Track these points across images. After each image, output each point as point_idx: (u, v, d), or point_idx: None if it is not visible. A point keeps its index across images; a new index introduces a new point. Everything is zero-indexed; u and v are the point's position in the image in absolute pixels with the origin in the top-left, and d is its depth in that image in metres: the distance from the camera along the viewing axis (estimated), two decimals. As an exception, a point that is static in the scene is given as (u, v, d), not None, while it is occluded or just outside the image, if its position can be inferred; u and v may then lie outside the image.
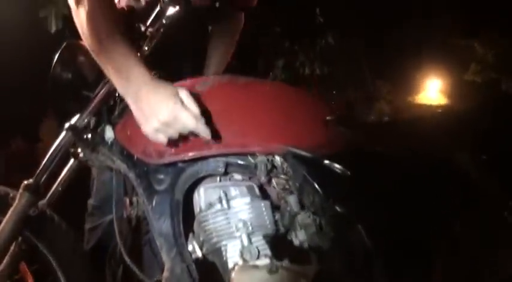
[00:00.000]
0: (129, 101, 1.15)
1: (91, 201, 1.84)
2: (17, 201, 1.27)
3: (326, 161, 1.21)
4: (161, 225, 1.25)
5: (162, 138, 1.13)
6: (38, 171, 1.31)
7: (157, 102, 1.11)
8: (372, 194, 1.20)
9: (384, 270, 1.15)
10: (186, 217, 1.28)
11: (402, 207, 1.20)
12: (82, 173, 1.66)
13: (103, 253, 1.73)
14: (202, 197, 1.27)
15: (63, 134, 1.35)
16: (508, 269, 1.19)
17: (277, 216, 1.25)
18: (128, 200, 1.46)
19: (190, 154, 1.24)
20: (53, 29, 2.96)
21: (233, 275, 1.07)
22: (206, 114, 1.18)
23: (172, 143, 1.20)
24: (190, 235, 1.27)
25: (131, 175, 1.32)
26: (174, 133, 1.13)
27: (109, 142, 1.36)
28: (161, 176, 1.29)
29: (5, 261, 1.31)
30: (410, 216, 1.20)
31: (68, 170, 1.45)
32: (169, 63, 1.41)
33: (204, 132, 1.12)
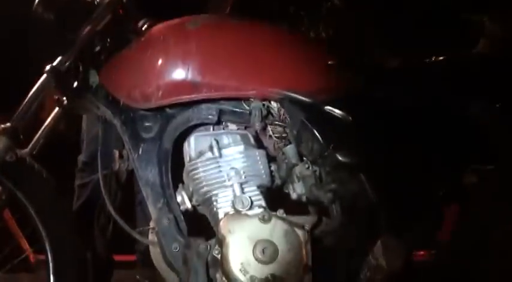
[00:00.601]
0: None
1: (81, 157, 1.76)
2: (-8, 144, 1.19)
3: (326, 107, 1.12)
4: (148, 175, 1.18)
5: None
6: (15, 115, 1.23)
7: None
8: (375, 142, 1.11)
9: (389, 222, 1.07)
10: (176, 168, 1.21)
11: (408, 156, 1.11)
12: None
13: (93, 209, 1.68)
14: (192, 145, 1.20)
15: (43, 76, 1.26)
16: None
17: (274, 167, 1.17)
18: (117, 153, 1.38)
19: (179, 98, 1.15)
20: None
21: (222, 223, 1.00)
22: (195, 56, 1.09)
23: (160, 86, 1.12)
24: (180, 186, 1.20)
25: (117, 122, 1.24)
26: None
27: (93, 86, 1.27)
28: (149, 123, 1.22)
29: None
30: (417, 166, 1.12)
31: (52, 119, 1.37)
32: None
33: None
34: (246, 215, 1.01)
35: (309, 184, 1.14)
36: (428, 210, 1.14)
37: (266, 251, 0.96)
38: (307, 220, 1.05)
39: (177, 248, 1.11)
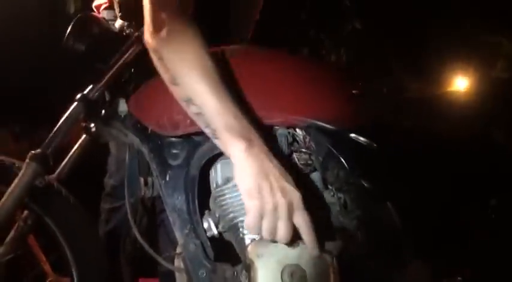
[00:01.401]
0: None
1: (110, 181, 1.81)
2: (23, 170, 1.25)
3: (351, 134, 1.15)
4: (175, 201, 1.22)
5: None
6: (46, 141, 1.29)
7: None
8: (401, 170, 1.14)
9: (414, 251, 1.09)
10: (202, 195, 1.24)
11: (433, 184, 1.13)
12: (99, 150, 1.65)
13: (119, 235, 1.72)
14: (219, 172, 1.23)
15: (74, 104, 1.32)
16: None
17: (299, 194, 1.20)
18: (142, 180, 1.43)
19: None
20: (72, 10, 2.94)
21: (250, 248, 1.03)
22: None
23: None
24: (206, 212, 1.22)
25: (145, 150, 1.29)
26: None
27: (122, 115, 1.33)
28: (176, 151, 1.26)
29: (12, 234, 1.29)
30: (442, 195, 1.13)
31: (80, 145, 1.43)
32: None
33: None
34: (273, 240, 1.03)
35: (334, 211, 1.16)
36: (453, 241, 1.15)
37: (294, 275, 0.99)
38: (334, 246, 1.07)
39: (204, 274, 1.14)
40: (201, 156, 1.24)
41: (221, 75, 1.08)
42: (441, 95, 1.29)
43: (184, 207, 1.21)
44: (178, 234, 1.20)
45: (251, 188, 0.98)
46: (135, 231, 1.28)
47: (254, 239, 1.08)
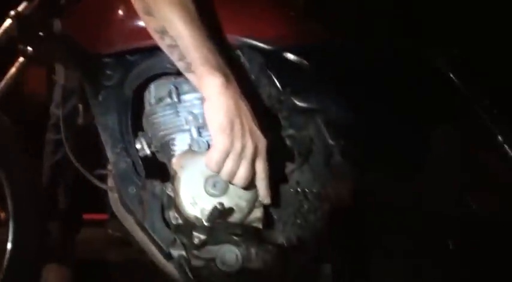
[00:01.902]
0: None
1: (57, 111, 1.74)
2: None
3: (285, 53, 1.15)
4: (107, 121, 1.21)
5: None
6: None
7: None
8: (333, 88, 1.14)
9: (345, 167, 1.10)
10: (137, 117, 1.23)
11: (369, 103, 1.14)
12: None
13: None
14: (152, 92, 1.22)
15: (7, 21, 1.28)
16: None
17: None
18: (81, 106, 1.40)
19: (142, 43, 1.17)
20: None
21: (174, 159, 1.03)
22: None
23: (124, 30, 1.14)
24: (139, 133, 1.21)
25: (79, 69, 1.26)
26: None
27: (57, 34, 1.29)
28: (110, 72, 1.24)
29: None
30: (377, 114, 1.14)
31: (16, 69, 1.39)
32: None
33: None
34: (201, 153, 1.03)
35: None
36: (388, 158, 1.17)
37: (217, 184, 1.00)
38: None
39: (133, 190, 1.14)
40: (135, 77, 1.22)
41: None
42: (379, 18, 1.26)
43: (116, 127, 1.20)
44: (109, 154, 1.19)
45: (224, 124, 0.96)
46: (68, 152, 1.27)
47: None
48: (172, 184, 1.03)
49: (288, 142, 1.14)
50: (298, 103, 1.12)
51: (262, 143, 1.00)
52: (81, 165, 1.25)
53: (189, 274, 1.06)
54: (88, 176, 1.21)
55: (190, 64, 1.02)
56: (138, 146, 1.19)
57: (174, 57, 1.06)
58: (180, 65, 1.05)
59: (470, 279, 1.12)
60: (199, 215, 0.98)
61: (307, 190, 1.07)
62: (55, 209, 1.56)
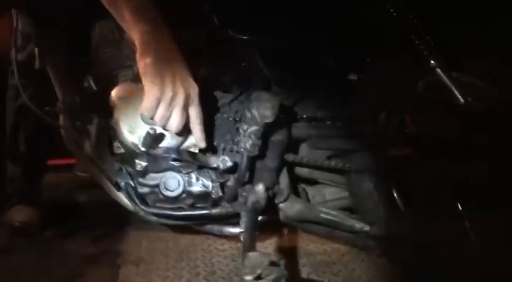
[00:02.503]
0: None
1: (18, 56, 1.72)
2: None
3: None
4: (54, 60, 1.24)
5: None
6: None
7: None
8: (269, 20, 1.17)
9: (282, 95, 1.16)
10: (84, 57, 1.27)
11: (301, 33, 1.17)
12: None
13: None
14: (96, 30, 1.25)
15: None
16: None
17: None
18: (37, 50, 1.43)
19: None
20: None
21: (113, 91, 1.08)
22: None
23: None
24: (87, 72, 1.25)
25: (32, 15, 1.28)
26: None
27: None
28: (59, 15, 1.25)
29: None
30: (311, 43, 1.18)
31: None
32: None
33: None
34: (137, 86, 1.08)
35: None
36: (326, 88, 1.22)
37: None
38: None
39: (81, 125, 1.19)
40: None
41: None
42: None
43: (63, 66, 1.24)
44: (57, 91, 1.23)
45: (154, 73, 1.00)
46: (22, 93, 1.31)
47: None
48: (113, 115, 1.08)
49: (227, 74, 1.19)
50: (233, 34, 1.16)
51: (194, 90, 1.03)
52: (37, 107, 1.28)
53: (136, 201, 1.12)
54: (37, 111, 1.25)
55: (121, 10, 1.05)
56: (85, 84, 1.23)
57: (111, 10, 1.09)
58: (112, 12, 1.08)
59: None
60: (136, 142, 1.04)
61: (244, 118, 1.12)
62: (18, 154, 1.61)
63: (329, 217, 1.18)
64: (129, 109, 1.06)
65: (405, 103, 1.16)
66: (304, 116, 1.21)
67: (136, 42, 1.02)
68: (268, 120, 0.99)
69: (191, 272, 1.40)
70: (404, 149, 1.23)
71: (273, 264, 0.82)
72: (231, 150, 1.14)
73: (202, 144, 1.09)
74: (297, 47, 1.18)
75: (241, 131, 1.04)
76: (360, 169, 1.22)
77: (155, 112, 1.02)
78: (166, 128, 1.05)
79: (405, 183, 1.21)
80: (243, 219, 1.04)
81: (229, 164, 1.07)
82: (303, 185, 1.34)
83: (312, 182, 1.34)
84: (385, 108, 1.16)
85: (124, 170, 1.13)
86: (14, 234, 1.58)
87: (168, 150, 1.05)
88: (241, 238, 0.96)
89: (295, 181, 1.30)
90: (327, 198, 1.35)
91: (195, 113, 1.05)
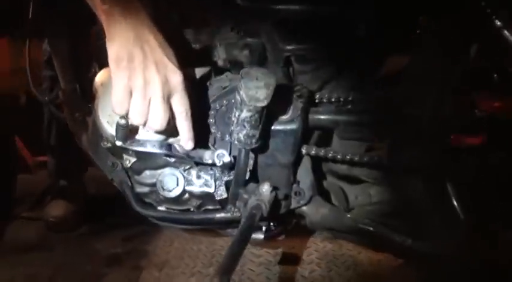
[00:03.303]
0: None
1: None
2: None
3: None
4: (57, 45, 1.15)
5: None
6: None
7: None
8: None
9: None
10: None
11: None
12: None
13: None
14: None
15: None
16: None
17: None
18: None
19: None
20: None
21: (96, 78, 0.94)
22: None
23: None
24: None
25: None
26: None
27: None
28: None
29: None
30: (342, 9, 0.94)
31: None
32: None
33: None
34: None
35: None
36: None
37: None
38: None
39: (80, 116, 1.07)
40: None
41: None
42: None
43: (68, 55, 1.14)
44: (60, 79, 1.14)
45: (120, 56, 0.80)
46: (31, 86, 1.22)
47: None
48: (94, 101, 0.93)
49: (233, 52, 0.98)
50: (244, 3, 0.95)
51: (177, 77, 0.82)
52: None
53: (133, 202, 0.97)
54: (41, 98, 1.16)
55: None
56: (91, 73, 1.11)
57: None
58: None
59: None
60: (113, 133, 0.88)
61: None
62: (52, 148, 1.57)
63: (360, 226, 0.93)
64: (109, 98, 0.89)
65: (462, 76, 0.87)
66: (332, 99, 0.96)
67: (102, 19, 0.81)
68: (261, 104, 0.76)
69: (216, 280, 1.23)
70: (464, 138, 0.93)
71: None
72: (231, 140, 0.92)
73: (189, 146, 0.88)
74: (321, 15, 0.94)
75: (233, 118, 0.83)
76: (405, 165, 0.95)
77: (127, 107, 0.82)
78: (147, 127, 0.84)
79: (468, 183, 0.92)
80: (240, 227, 0.83)
81: (227, 159, 0.87)
82: (343, 184, 1.11)
83: (356, 180, 1.10)
84: (435, 83, 0.87)
85: (117, 167, 0.98)
86: (48, 230, 1.53)
87: (151, 144, 0.87)
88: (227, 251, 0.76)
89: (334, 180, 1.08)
90: (373, 199, 1.09)
91: (178, 106, 0.84)
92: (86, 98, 1.09)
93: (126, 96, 0.81)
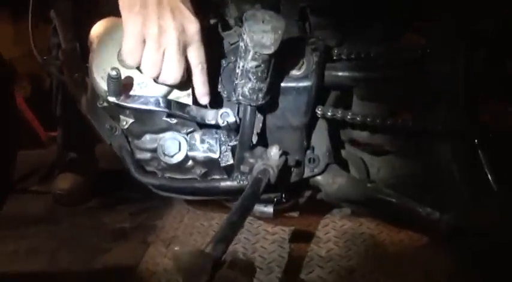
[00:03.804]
0: None
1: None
2: None
3: None
4: (60, 5, 1.06)
5: None
6: None
7: None
8: None
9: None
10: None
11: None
12: None
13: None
14: None
15: None
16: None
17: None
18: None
19: None
20: None
21: (92, 29, 0.87)
22: None
23: None
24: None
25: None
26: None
27: None
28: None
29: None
30: None
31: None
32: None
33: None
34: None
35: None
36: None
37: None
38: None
39: (79, 77, 0.99)
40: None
41: None
42: None
43: (69, 12, 1.06)
44: (60, 38, 1.05)
45: (132, 0, 0.74)
46: (35, 52, 1.15)
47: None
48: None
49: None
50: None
51: (194, 26, 0.75)
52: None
53: (132, 169, 0.89)
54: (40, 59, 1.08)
55: None
56: (92, 29, 1.04)
57: None
58: None
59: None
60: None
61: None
62: (60, 119, 1.51)
63: (382, 197, 0.83)
64: (107, 49, 0.82)
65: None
66: (352, 55, 0.85)
67: None
68: (267, 51, 0.66)
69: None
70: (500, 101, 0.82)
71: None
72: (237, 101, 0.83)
73: (205, 100, 0.81)
74: None
75: (237, 70, 0.73)
76: (432, 129, 0.84)
77: (139, 57, 0.75)
78: (160, 80, 0.78)
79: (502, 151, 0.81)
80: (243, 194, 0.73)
81: (232, 119, 0.77)
82: (363, 154, 1.01)
83: (378, 150, 0.99)
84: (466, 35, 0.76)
85: (116, 131, 0.90)
86: (55, 203, 1.48)
87: (147, 100, 0.78)
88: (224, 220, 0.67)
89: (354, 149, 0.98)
90: (398, 172, 0.99)
91: (194, 58, 0.78)
92: (86, 57, 1.01)
93: (138, 45, 0.74)
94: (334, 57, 0.84)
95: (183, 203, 1.40)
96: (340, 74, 0.83)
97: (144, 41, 0.74)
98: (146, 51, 0.75)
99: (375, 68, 0.84)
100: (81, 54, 1.03)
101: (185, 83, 0.79)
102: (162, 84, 0.78)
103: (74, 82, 1.02)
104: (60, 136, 1.57)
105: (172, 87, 0.79)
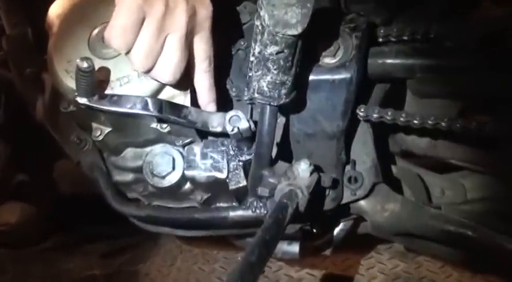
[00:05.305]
0: None
1: None
2: None
3: None
4: None
5: None
6: None
7: None
8: None
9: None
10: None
11: None
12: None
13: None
14: None
15: None
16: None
17: None
18: None
19: None
20: None
21: (50, 9, 0.89)
22: None
23: None
24: None
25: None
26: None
27: None
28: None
29: None
30: None
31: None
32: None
33: None
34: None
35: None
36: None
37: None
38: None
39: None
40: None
41: None
42: None
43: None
44: (4, 21, 1.12)
45: None
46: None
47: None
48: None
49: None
50: None
51: (207, 11, 0.80)
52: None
53: (109, 196, 0.93)
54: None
55: None
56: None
57: None
58: None
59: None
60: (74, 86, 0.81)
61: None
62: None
63: (453, 229, 0.85)
64: (75, 33, 0.84)
65: None
66: (405, 37, 0.88)
67: None
68: (293, 32, 0.68)
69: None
70: None
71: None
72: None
73: (211, 108, 0.85)
74: None
75: (251, 58, 0.75)
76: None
77: (132, 39, 0.78)
78: (152, 75, 0.81)
79: None
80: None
81: (244, 124, 0.79)
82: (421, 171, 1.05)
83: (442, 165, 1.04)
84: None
85: (85, 143, 0.93)
86: (-3, 243, 1.52)
87: (130, 101, 0.80)
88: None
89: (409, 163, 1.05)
90: (469, 196, 1.05)
91: (201, 51, 0.82)
92: (42, 46, 1.04)
93: (135, 23, 0.77)
94: (380, 39, 0.88)
95: (174, 241, 1.44)
96: (388, 61, 0.86)
97: (142, 20, 0.77)
98: (143, 34, 0.78)
99: (437, 52, 0.87)
100: (34, 42, 1.07)
101: (182, 78, 0.82)
102: (152, 80, 0.81)
103: (25, 79, 1.06)
104: (3, 152, 1.60)
105: (164, 85, 0.82)
